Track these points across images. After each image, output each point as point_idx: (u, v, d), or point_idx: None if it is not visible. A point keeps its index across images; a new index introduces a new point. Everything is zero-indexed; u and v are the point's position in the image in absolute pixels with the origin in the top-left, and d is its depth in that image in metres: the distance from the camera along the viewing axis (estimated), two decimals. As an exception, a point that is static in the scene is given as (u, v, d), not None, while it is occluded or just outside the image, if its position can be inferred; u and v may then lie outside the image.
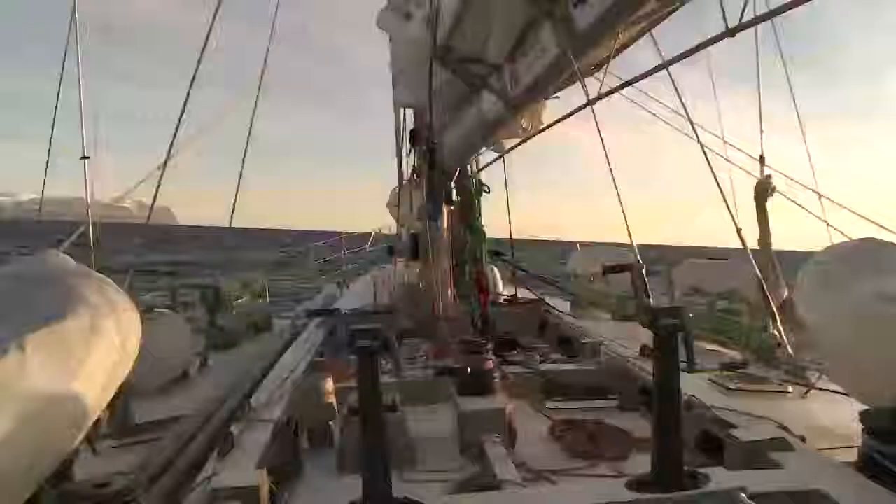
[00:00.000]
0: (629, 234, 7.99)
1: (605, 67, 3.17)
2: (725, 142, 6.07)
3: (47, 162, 6.59)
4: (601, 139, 7.69)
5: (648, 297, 7.62)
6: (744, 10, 2.01)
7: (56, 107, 6.40)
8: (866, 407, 3.12)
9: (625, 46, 3.34)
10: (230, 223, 8.64)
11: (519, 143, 5.21)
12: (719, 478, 2.88)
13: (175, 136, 6.58)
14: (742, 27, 2.07)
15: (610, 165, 8.04)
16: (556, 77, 3.79)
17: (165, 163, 6.71)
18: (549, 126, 4.68)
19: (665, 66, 2.91)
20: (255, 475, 3.21)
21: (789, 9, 1.92)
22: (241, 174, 8.42)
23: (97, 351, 2.92)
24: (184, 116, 6.73)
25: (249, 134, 8.34)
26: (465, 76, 4.71)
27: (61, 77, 6.30)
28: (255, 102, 8.05)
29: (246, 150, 8.31)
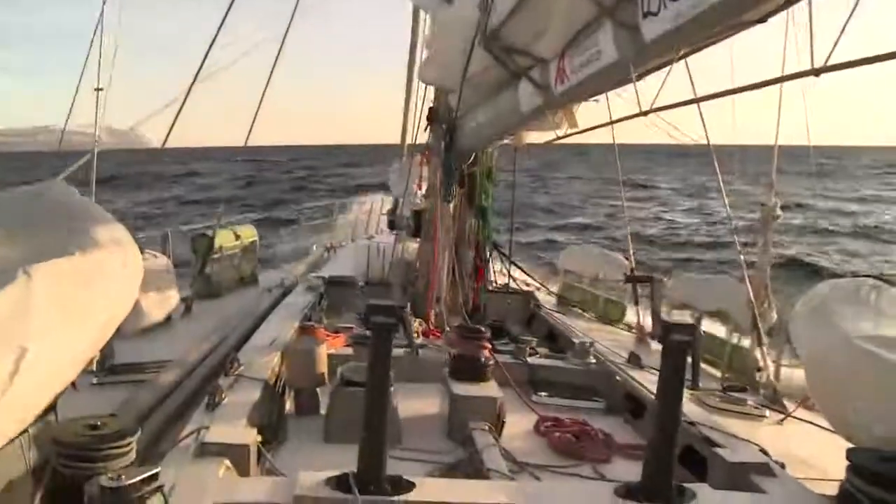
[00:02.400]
0: (630, 246, 8.10)
1: (664, 78, 3.16)
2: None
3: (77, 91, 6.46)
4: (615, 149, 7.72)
5: (637, 302, 7.70)
6: (833, 51, 2.00)
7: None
8: (845, 442, 3.17)
9: (687, 55, 3.30)
10: (246, 142, 8.65)
11: (549, 142, 5.16)
12: (705, 496, 2.93)
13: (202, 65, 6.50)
14: (829, 69, 2.06)
15: (619, 174, 8.14)
16: (608, 81, 3.76)
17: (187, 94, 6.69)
18: (585, 130, 4.62)
19: (734, 91, 2.88)
20: (245, 434, 3.22)
21: (889, 58, 1.92)
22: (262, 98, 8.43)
23: (101, 288, 2.90)
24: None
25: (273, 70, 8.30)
26: (507, 65, 4.66)
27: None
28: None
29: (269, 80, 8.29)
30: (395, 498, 2.66)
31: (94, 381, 4.95)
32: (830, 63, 2.13)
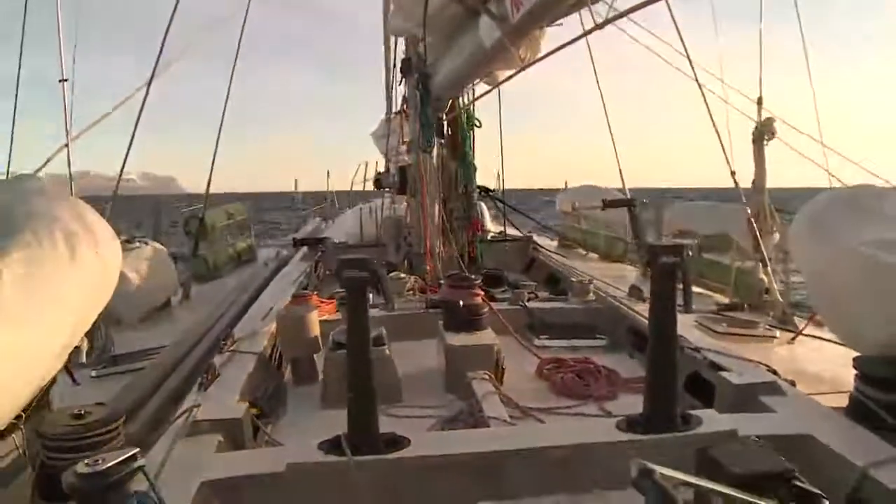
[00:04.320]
0: (620, 174, 7.96)
1: None
2: (724, 83, 5.95)
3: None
4: (595, 73, 7.61)
5: (636, 235, 7.60)
6: None
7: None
8: (857, 353, 3.09)
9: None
10: (206, 191, 8.71)
11: (516, 73, 5.00)
12: (711, 420, 2.85)
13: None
14: None
15: (603, 101, 7.98)
16: (562, 2, 3.60)
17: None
18: (548, 54, 4.45)
19: None
20: (237, 408, 3.15)
21: None
22: (217, 143, 8.54)
23: (75, 278, 2.83)
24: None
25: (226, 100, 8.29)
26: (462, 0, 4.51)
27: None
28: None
29: (223, 117, 8.32)
30: (389, 455, 2.59)
31: (94, 374, 4.91)
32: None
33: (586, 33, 3.30)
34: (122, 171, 6.34)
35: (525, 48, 4.60)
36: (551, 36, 4.67)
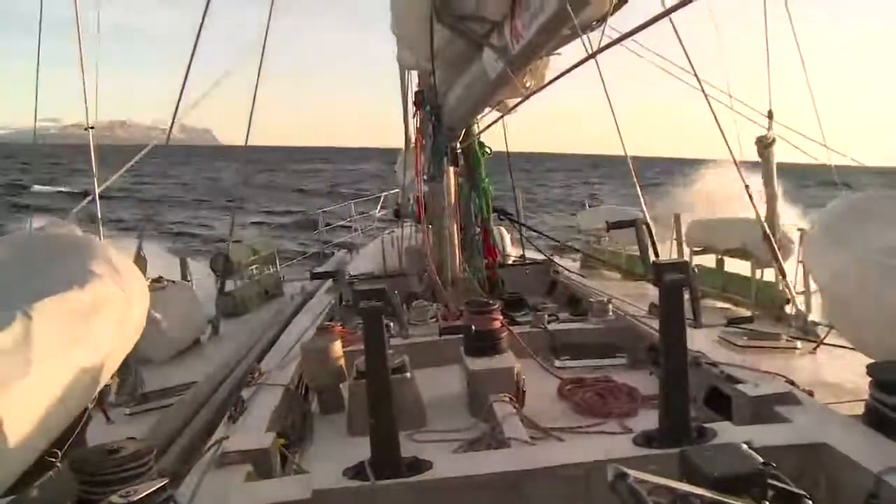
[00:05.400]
0: (639, 191, 8.00)
1: (605, 19, 3.11)
2: (731, 96, 6.01)
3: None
4: (605, 91, 7.68)
5: (657, 253, 7.61)
6: None
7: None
8: (873, 360, 3.11)
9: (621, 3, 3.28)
10: (246, 141, 8.73)
11: (520, 102, 5.13)
12: (726, 432, 2.89)
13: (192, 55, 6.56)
14: None
15: (615, 117, 8.04)
16: (557, 32, 3.74)
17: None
18: (550, 82, 4.56)
19: (668, 13, 2.84)
20: (265, 438, 3.24)
21: None
22: (255, 96, 8.47)
23: (103, 319, 2.95)
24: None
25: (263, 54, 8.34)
26: (465, 34, 4.65)
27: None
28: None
29: (259, 71, 8.33)
30: (411, 479, 2.66)
31: (128, 411, 5.03)
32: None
33: (582, 62, 3.41)
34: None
35: (528, 77, 4.73)
36: (554, 61, 4.84)
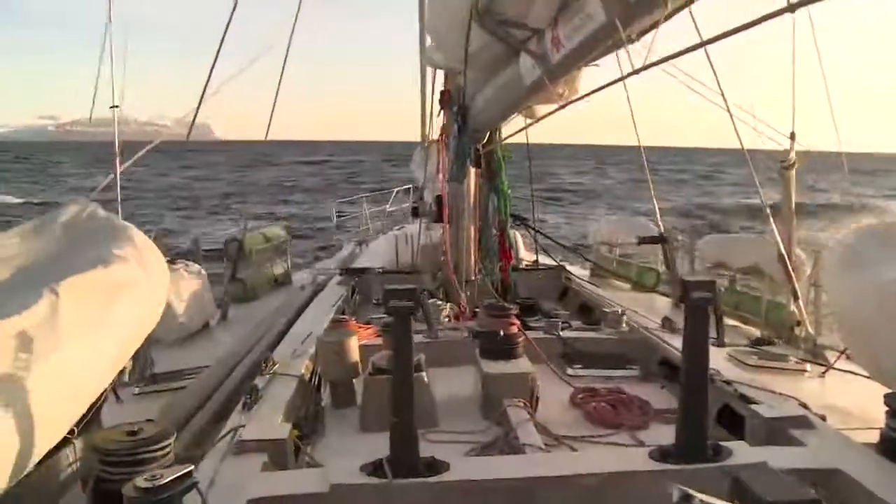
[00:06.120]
0: (655, 207, 8.03)
1: (653, 35, 3.11)
2: (756, 117, 6.01)
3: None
4: (631, 112, 7.71)
5: (668, 266, 7.64)
6: None
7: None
8: (888, 389, 3.12)
9: (675, 12, 3.26)
10: (266, 136, 8.75)
11: (554, 111, 5.13)
12: (742, 452, 2.91)
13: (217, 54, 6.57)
14: (803, 3, 2.01)
15: (638, 136, 8.07)
16: (601, 44, 3.76)
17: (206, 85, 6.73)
18: (587, 95, 4.56)
19: (708, 42, 2.83)
20: (281, 429, 3.27)
21: None
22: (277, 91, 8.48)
23: (127, 300, 2.97)
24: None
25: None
26: (504, 39, 4.65)
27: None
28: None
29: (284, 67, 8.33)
30: (430, 479, 2.69)
31: (136, 391, 5.06)
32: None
33: (625, 77, 3.41)
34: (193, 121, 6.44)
35: (563, 86, 4.73)
36: (586, 74, 4.84)
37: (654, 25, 3.20)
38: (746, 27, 2.46)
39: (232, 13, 6.78)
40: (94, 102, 6.22)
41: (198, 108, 6.58)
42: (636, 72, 3.18)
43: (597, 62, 4.26)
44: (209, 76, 6.60)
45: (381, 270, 8.49)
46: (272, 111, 8.45)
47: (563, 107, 4.80)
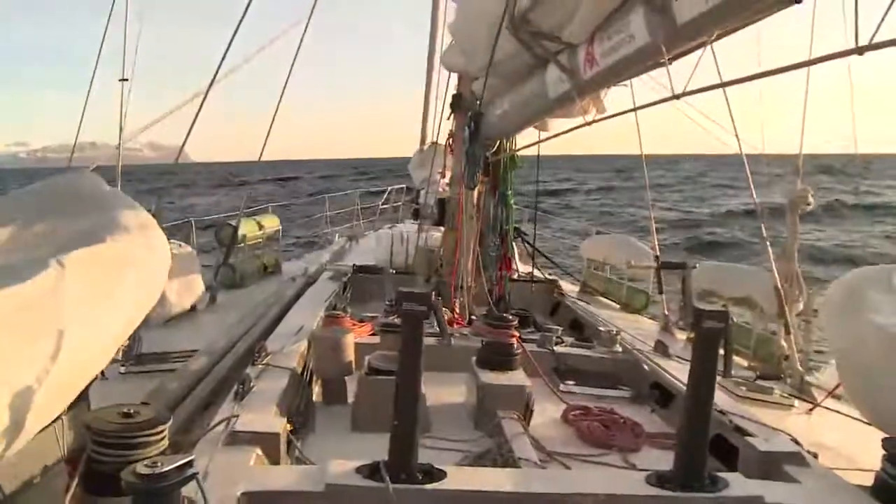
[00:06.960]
0: (653, 232, 8.05)
1: (698, 57, 3.08)
2: (765, 155, 6.01)
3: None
4: (639, 138, 7.69)
5: (661, 291, 7.65)
6: (879, 28, 1.92)
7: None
8: (877, 430, 3.13)
9: (721, 37, 3.23)
10: (259, 157, 8.72)
11: (578, 127, 5.09)
12: (738, 484, 2.90)
13: (214, 78, 6.51)
14: (874, 47, 1.98)
15: (644, 162, 8.07)
16: (639, 65, 3.74)
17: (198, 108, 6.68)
18: (615, 115, 4.56)
19: (769, 74, 2.80)
20: (275, 422, 3.23)
21: None
22: (276, 111, 8.45)
23: (130, 276, 2.91)
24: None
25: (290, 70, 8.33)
26: (535, 50, 4.61)
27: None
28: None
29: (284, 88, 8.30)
30: (427, 486, 2.66)
31: (122, 370, 5.00)
32: (876, 41, 2.05)
33: (666, 100, 3.35)
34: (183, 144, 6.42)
35: (590, 103, 4.71)
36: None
37: (695, 49, 3.18)
38: (812, 63, 2.44)
39: (234, 34, 6.70)
40: (78, 131, 6.25)
41: (187, 135, 6.54)
42: (678, 96, 3.15)
43: (626, 83, 4.24)
44: (203, 101, 6.55)
45: (377, 269, 8.50)
46: (268, 133, 8.47)
47: (588, 124, 4.76)
